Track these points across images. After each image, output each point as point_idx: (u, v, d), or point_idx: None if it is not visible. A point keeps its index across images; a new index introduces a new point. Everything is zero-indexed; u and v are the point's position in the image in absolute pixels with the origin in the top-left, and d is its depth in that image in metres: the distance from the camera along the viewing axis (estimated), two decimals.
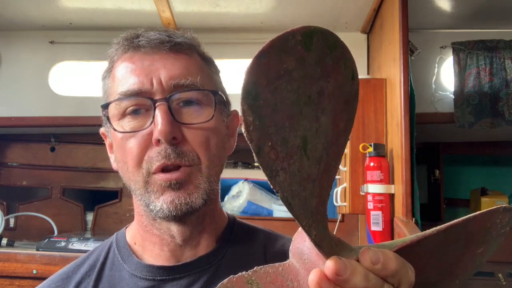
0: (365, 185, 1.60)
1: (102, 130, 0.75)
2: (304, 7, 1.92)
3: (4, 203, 2.30)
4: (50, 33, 2.16)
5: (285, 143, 0.33)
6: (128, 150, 0.65)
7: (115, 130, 0.66)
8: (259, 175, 2.26)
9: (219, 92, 0.70)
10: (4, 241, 1.80)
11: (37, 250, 1.67)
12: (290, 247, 0.42)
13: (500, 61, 2.02)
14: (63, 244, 1.69)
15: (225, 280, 0.40)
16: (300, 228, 0.41)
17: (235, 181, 2.22)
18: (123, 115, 0.66)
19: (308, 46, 0.33)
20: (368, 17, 1.97)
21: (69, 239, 1.71)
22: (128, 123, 0.65)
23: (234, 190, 2.20)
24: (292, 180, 0.34)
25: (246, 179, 2.20)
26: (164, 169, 0.64)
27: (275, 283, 0.40)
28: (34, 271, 1.57)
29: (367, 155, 1.61)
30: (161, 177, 0.64)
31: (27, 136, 2.36)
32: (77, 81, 2.19)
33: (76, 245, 1.68)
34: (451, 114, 2.03)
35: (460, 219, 0.40)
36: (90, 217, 2.28)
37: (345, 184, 1.73)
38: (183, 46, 0.69)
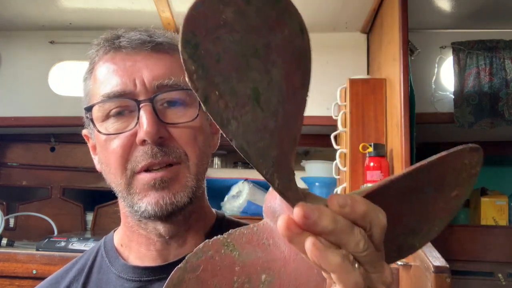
0: (365, 185, 1.60)
1: (84, 132, 0.74)
2: (303, 7, 1.90)
3: (4, 203, 2.30)
4: (50, 33, 2.16)
5: (234, 93, 0.33)
6: (111, 151, 0.64)
7: (99, 132, 0.65)
8: (259, 175, 2.26)
9: None
10: (4, 241, 1.80)
11: (37, 250, 1.67)
12: (263, 208, 0.43)
13: (500, 61, 2.02)
14: (63, 244, 1.69)
15: (201, 245, 0.40)
16: (271, 188, 0.41)
17: (235, 181, 2.22)
18: (106, 116, 0.65)
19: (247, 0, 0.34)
20: (368, 17, 1.97)
21: (69, 239, 1.71)
22: (112, 125, 0.65)
23: (234, 190, 2.20)
24: (246, 130, 0.34)
25: (246, 179, 2.20)
26: (149, 169, 0.63)
27: (251, 243, 0.41)
28: (34, 271, 1.57)
29: (367, 155, 1.61)
30: (144, 176, 0.63)
31: (27, 136, 2.36)
32: (77, 81, 2.18)
33: (76, 245, 1.68)
34: (451, 114, 2.03)
35: (425, 160, 0.40)
36: (90, 217, 2.28)
37: (345, 184, 1.73)
38: (164, 46, 0.68)
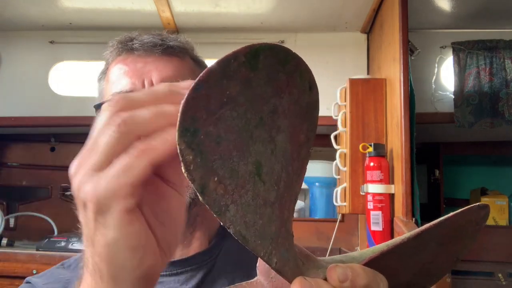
0: (365, 185, 1.60)
1: None
2: (304, 7, 1.92)
3: (4, 203, 2.30)
4: (50, 33, 2.16)
5: (234, 174, 0.30)
6: None
7: None
8: None
9: None
10: (4, 241, 1.80)
11: (37, 250, 1.67)
12: (258, 264, 0.41)
13: (500, 61, 2.02)
14: (63, 244, 1.69)
15: None
16: None
17: None
18: None
19: (253, 66, 0.30)
20: (368, 17, 1.97)
21: (69, 239, 1.71)
22: None
23: None
24: (246, 211, 0.31)
25: None
26: None
27: None
28: (34, 271, 1.57)
29: (367, 155, 1.61)
30: None
31: (27, 136, 2.36)
32: (77, 81, 2.19)
33: (76, 245, 1.68)
34: (451, 114, 2.03)
35: (431, 222, 0.39)
36: None
37: (345, 184, 1.73)
38: (175, 49, 0.71)
